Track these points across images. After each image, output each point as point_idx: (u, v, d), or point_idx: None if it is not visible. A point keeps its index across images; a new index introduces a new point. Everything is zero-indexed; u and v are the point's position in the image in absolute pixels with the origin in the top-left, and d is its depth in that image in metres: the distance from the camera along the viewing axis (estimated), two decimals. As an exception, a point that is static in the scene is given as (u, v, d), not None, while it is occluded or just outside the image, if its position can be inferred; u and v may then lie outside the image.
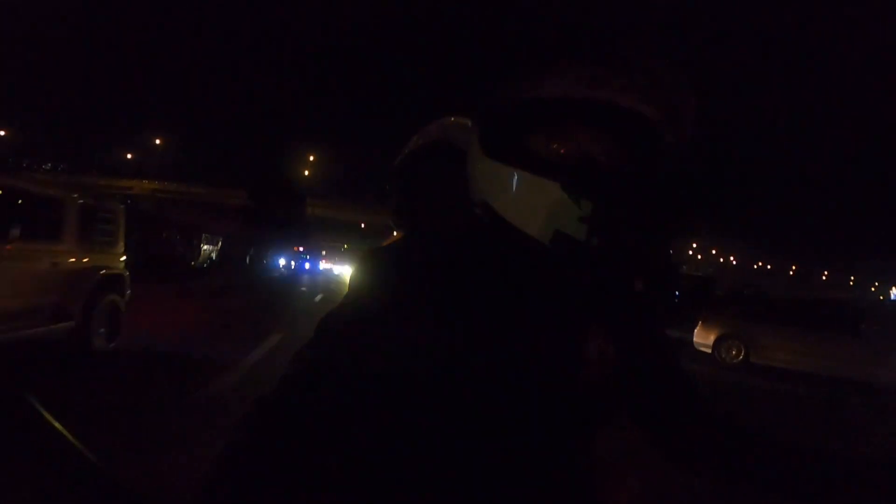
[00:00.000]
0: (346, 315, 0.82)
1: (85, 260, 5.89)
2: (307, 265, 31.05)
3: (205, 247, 24.86)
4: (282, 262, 27.65)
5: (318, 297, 16.34)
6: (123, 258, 6.64)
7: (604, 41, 0.77)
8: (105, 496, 0.47)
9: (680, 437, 0.85)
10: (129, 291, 6.56)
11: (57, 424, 0.46)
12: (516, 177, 0.75)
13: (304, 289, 21.45)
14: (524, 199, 0.74)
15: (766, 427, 0.85)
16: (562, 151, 0.74)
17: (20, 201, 5.10)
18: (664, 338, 0.89)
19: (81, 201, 5.83)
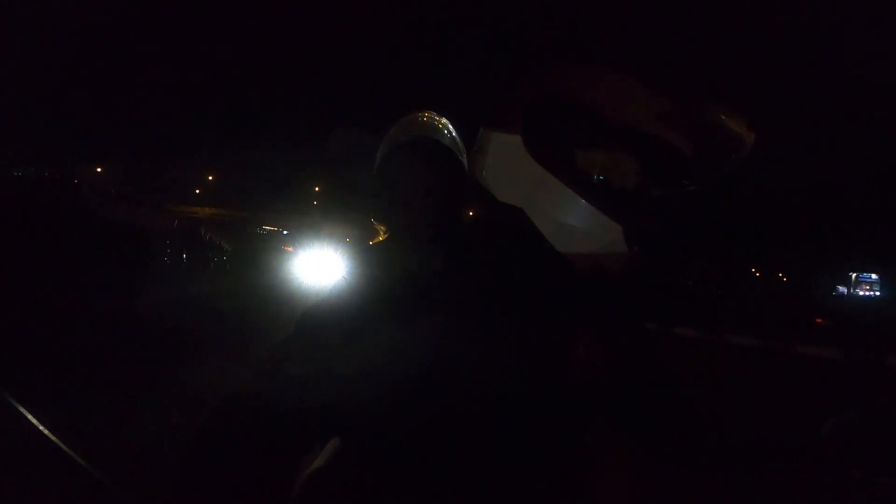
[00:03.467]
0: (320, 312, 0.83)
1: None
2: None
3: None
4: None
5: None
6: None
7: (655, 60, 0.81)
8: (82, 489, 0.48)
9: (664, 436, 0.83)
10: None
11: (33, 420, 0.47)
12: (564, 191, 0.76)
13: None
14: (566, 216, 0.76)
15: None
16: (607, 175, 0.76)
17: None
18: (650, 338, 0.87)
19: None
